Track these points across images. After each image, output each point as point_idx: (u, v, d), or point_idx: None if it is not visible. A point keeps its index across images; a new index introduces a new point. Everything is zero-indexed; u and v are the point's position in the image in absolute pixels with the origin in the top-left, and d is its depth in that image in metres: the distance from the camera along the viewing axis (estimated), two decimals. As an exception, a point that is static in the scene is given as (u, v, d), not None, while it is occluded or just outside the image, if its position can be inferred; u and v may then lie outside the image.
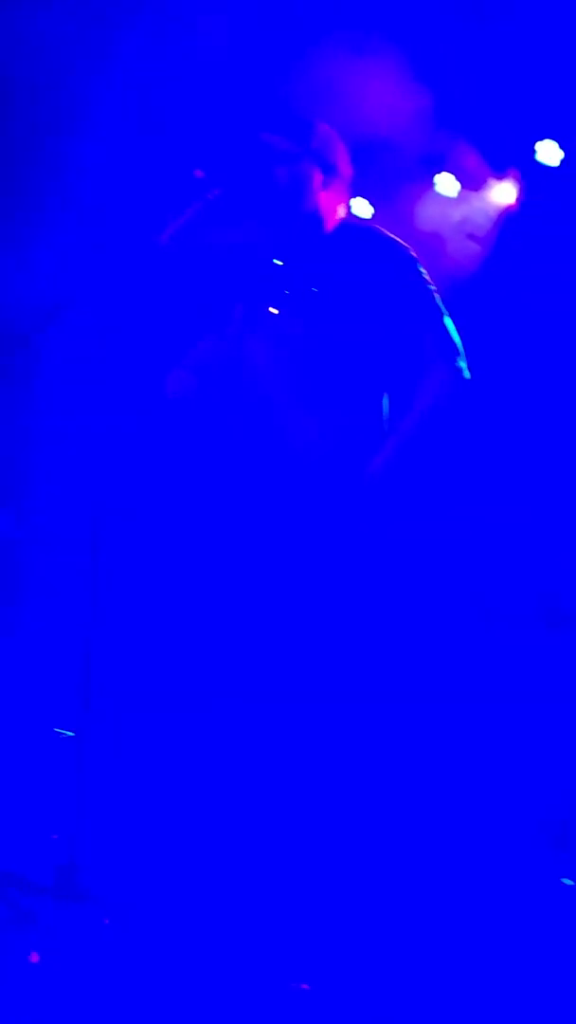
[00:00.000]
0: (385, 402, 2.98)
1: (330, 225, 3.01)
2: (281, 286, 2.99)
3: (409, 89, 3.96)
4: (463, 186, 4.40)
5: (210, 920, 2.65)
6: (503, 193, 4.38)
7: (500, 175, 4.33)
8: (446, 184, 4.52)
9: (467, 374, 2.93)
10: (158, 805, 3.29)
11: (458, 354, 2.94)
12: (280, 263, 3.01)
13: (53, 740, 3.96)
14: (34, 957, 2.42)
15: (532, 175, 4.32)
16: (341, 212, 3.05)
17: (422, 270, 2.96)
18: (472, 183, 4.36)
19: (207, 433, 3.08)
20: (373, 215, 4.77)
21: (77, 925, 2.55)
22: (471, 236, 4.33)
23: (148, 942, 2.54)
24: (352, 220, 3.09)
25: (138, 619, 4.36)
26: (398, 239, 3.00)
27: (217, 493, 3.12)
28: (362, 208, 4.79)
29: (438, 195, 4.48)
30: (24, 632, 4.79)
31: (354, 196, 4.75)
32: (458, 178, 4.46)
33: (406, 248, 2.98)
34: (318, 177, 2.99)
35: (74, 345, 4.10)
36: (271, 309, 2.97)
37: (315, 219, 2.99)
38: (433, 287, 2.96)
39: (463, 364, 2.93)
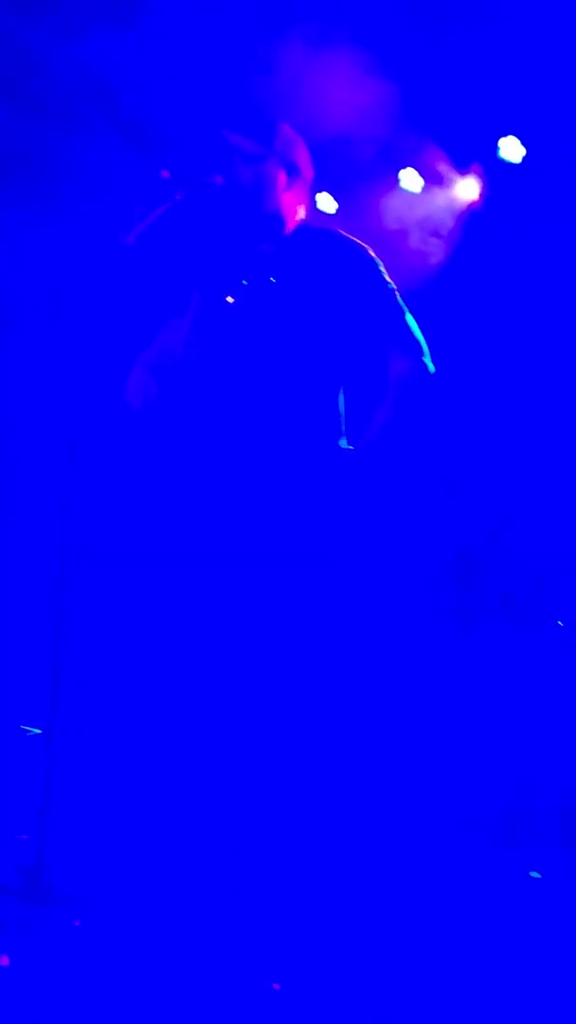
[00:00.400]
0: (341, 399, 3.00)
1: (291, 226, 3.02)
2: (239, 276, 3.00)
3: (373, 85, 3.97)
4: (427, 182, 4.43)
5: (181, 920, 2.67)
6: (466, 189, 4.42)
7: (463, 171, 4.36)
8: (410, 180, 4.55)
9: (432, 369, 2.96)
10: (127, 804, 3.29)
11: (421, 350, 2.97)
12: (237, 255, 3.01)
13: (20, 738, 3.95)
14: (4, 960, 2.42)
15: (495, 171, 4.35)
16: (302, 213, 3.07)
17: (383, 270, 2.99)
18: (436, 179, 4.38)
19: (171, 434, 3.08)
20: (337, 210, 4.78)
21: (47, 927, 2.55)
22: (434, 233, 4.35)
23: (119, 944, 2.55)
24: (312, 222, 3.10)
25: (106, 616, 4.36)
26: (357, 241, 3.02)
27: (182, 489, 3.12)
28: (327, 203, 4.80)
29: (402, 191, 4.50)
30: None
31: (319, 191, 4.77)
32: (422, 174, 4.49)
33: (365, 249, 3.00)
34: (281, 178, 3.00)
35: (34, 344, 4.09)
36: (227, 298, 2.97)
37: (276, 220, 3.00)
38: (394, 286, 2.98)
39: (427, 360, 2.96)
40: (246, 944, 2.56)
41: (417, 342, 2.98)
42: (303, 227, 3.05)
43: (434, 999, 2.45)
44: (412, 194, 4.45)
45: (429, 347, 3.00)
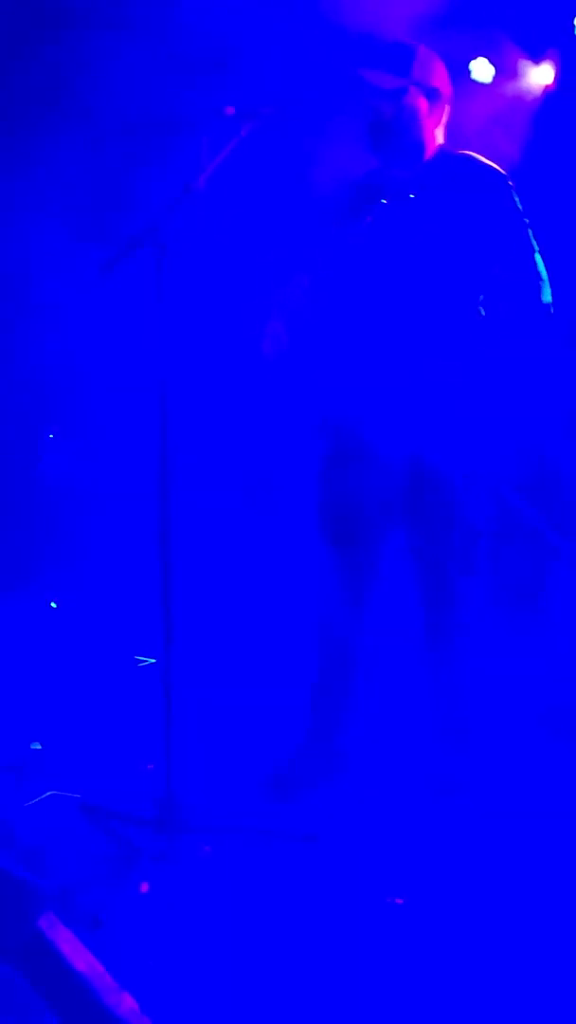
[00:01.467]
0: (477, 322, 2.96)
1: (430, 151, 2.98)
2: (378, 197, 2.96)
3: None
4: (497, 74, 4.25)
5: (304, 839, 2.80)
6: (540, 75, 4.24)
7: (537, 60, 4.18)
8: (481, 70, 4.37)
9: (549, 308, 2.94)
10: (246, 728, 3.42)
11: (541, 292, 2.93)
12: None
13: (137, 670, 4.10)
14: (144, 887, 2.59)
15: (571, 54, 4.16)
16: (440, 136, 3.01)
17: (517, 201, 2.94)
18: (507, 71, 4.21)
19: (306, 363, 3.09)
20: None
21: (180, 855, 2.71)
22: (506, 128, 4.20)
23: (248, 869, 2.70)
24: (450, 146, 3.05)
25: (212, 550, 4.45)
26: (495, 166, 2.97)
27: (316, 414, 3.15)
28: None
29: (474, 83, 4.33)
30: (97, 563, 4.90)
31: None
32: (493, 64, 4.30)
33: (503, 177, 2.95)
34: (423, 106, 2.94)
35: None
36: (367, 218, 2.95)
37: (418, 149, 2.96)
38: (527, 220, 2.94)
39: (546, 297, 2.93)
40: (376, 869, 2.68)
41: (539, 285, 2.94)
42: (441, 152, 3.00)
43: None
44: (482, 86, 4.28)
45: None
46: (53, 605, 5.01)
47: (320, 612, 3.15)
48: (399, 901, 2.52)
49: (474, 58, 4.30)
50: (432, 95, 2.96)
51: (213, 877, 2.64)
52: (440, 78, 2.99)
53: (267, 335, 3.09)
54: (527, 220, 2.95)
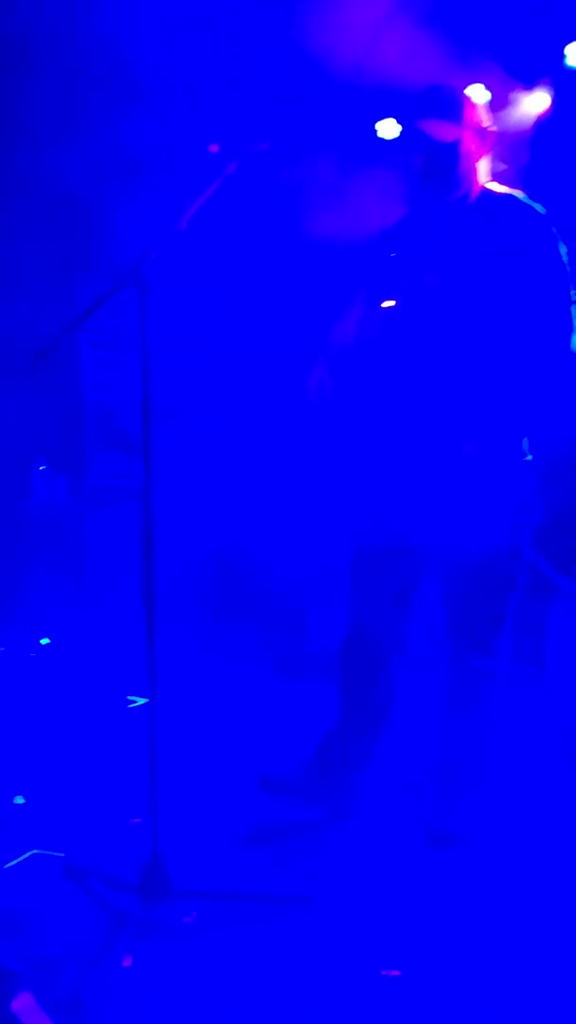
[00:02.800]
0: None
1: (475, 192, 2.92)
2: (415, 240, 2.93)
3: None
4: (493, 103, 4.20)
5: (297, 911, 2.69)
6: (534, 103, 4.18)
7: (530, 87, 4.13)
8: (475, 97, 4.31)
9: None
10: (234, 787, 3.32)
11: (566, 357, 2.85)
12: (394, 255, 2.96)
13: (127, 712, 4.00)
14: (127, 962, 2.47)
15: (564, 82, 4.11)
16: (484, 172, 2.94)
17: (562, 250, 2.88)
18: (501, 100, 4.16)
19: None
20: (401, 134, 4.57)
21: (166, 924, 2.59)
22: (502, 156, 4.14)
23: (238, 938, 2.59)
24: (494, 182, 2.99)
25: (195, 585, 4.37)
26: (539, 209, 2.90)
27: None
28: (390, 129, 4.60)
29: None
30: (85, 601, 4.82)
31: (383, 117, 4.56)
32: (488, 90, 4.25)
33: (546, 223, 2.89)
34: (475, 149, 2.90)
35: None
36: (385, 303, 2.90)
37: (467, 192, 2.91)
38: (568, 268, 2.87)
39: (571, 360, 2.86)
40: (364, 928, 2.58)
41: (568, 336, 2.86)
42: (485, 192, 2.94)
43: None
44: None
45: None
46: (45, 641, 4.93)
47: (348, 651, 3.07)
48: (395, 973, 2.41)
49: (467, 86, 4.26)
50: (484, 137, 2.93)
51: (200, 949, 2.52)
52: (486, 115, 2.96)
53: (312, 379, 3.05)
54: (568, 268, 2.88)
